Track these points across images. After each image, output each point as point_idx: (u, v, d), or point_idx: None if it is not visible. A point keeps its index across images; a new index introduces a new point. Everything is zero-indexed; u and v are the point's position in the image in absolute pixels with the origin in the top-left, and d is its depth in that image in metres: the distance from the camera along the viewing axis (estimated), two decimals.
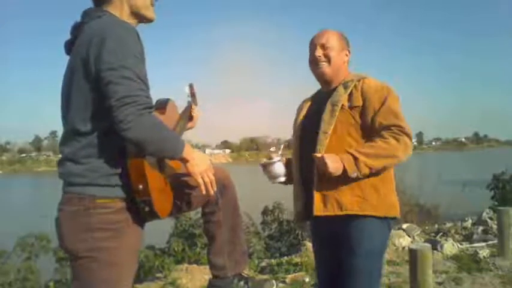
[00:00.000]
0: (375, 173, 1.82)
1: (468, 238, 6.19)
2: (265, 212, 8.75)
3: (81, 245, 1.35)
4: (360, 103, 1.87)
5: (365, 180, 1.82)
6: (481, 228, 6.57)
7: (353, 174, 1.76)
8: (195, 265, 5.47)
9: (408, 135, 1.81)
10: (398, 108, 1.86)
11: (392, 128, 1.80)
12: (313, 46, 1.99)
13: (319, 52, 1.95)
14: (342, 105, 1.87)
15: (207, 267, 5.59)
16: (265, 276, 4.83)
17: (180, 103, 1.91)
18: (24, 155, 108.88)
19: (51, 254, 6.17)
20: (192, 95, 1.94)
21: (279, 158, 1.94)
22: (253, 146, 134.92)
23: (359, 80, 1.92)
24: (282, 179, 1.96)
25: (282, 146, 1.98)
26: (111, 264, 1.35)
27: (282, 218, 8.55)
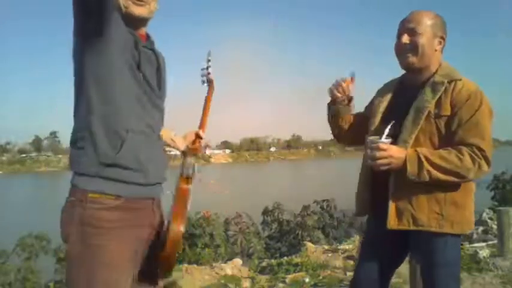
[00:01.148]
0: (454, 186, 1.68)
1: (468, 238, 6.19)
2: (265, 212, 8.76)
3: (73, 237, 1.31)
4: (449, 113, 1.65)
5: (445, 194, 1.67)
6: (481, 228, 6.58)
7: (411, 177, 1.61)
8: (195, 265, 5.47)
9: (487, 160, 1.62)
10: (487, 127, 1.64)
11: (473, 147, 1.61)
12: (400, 31, 1.75)
13: (405, 39, 1.72)
14: (429, 112, 1.66)
15: (207, 267, 5.58)
16: (265, 277, 4.84)
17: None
18: (24, 155, 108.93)
19: (51, 254, 6.17)
20: (208, 73, 1.83)
21: (389, 140, 1.65)
22: (253, 146, 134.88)
23: (450, 82, 1.69)
24: None
25: (389, 126, 1.66)
26: (100, 264, 1.29)
27: (282, 218, 8.57)
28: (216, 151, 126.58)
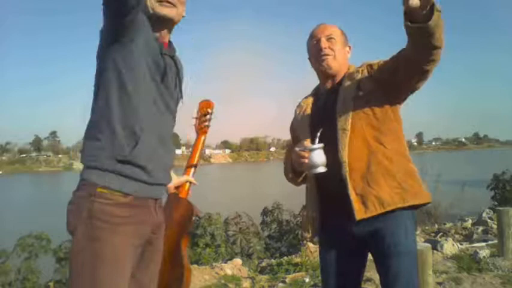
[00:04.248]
0: (404, 156, 1.75)
1: (468, 238, 6.19)
2: (264, 212, 8.75)
3: (80, 230, 1.33)
4: (372, 84, 1.74)
5: (396, 167, 1.70)
6: (481, 228, 6.58)
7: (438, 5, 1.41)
8: (195, 265, 5.47)
9: None
10: None
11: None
12: (316, 39, 1.86)
13: (325, 44, 1.83)
14: (354, 96, 1.74)
15: (207, 267, 5.56)
16: (265, 276, 4.84)
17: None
18: (24, 155, 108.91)
19: (51, 254, 6.17)
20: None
21: (322, 145, 1.67)
22: (253, 146, 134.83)
23: (362, 66, 1.83)
24: (324, 168, 1.68)
25: (318, 133, 1.69)
26: (105, 258, 1.31)
27: (282, 218, 8.55)
28: (216, 151, 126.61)
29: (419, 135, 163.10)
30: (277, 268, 5.03)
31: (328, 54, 1.83)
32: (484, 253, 4.78)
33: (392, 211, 1.67)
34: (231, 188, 32.12)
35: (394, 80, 1.69)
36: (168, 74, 1.49)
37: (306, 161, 1.68)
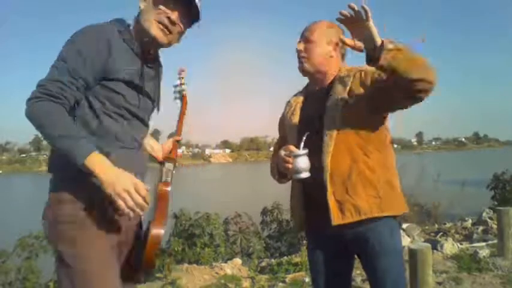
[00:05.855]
0: (387, 168, 1.74)
1: (468, 238, 6.19)
2: (264, 212, 8.75)
3: (53, 237, 1.39)
4: (363, 93, 1.69)
5: (378, 176, 1.70)
6: (481, 228, 6.58)
7: (388, 45, 1.47)
8: (195, 265, 5.47)
9: None
10: None
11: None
12: (298, 40, 1.84)
13: (300, 46, 1.80)
14: (343, 103, 1.70)
15: (207, 267, 5.56)
16: (265, 276, 4.84)
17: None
18: (24, 155, 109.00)
19: (51, 254, 6.17)
20: (181, 90, 1.85)
21: (306, 151, 1.69)
22: (253, 145, 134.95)
23: (354, 71, 1.76)
24: (307, 174, 1.69)
25: (304, 138, 1.70)
26: (77, 257, 1.34)
27: (282, 218, 8.56)
28: (216, 151, 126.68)
29: (419, 135, 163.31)
30: (277, 268, 5.03)
31: (302, 57, 1.80)
32: (484, 253, 4.79)
33: (371, 219, 1.68)
34: (231, 188, 32.12)
35: (385, 100, 1.66)
36: (145, 85, 1.51)
37: (290, 166, 1.70)
